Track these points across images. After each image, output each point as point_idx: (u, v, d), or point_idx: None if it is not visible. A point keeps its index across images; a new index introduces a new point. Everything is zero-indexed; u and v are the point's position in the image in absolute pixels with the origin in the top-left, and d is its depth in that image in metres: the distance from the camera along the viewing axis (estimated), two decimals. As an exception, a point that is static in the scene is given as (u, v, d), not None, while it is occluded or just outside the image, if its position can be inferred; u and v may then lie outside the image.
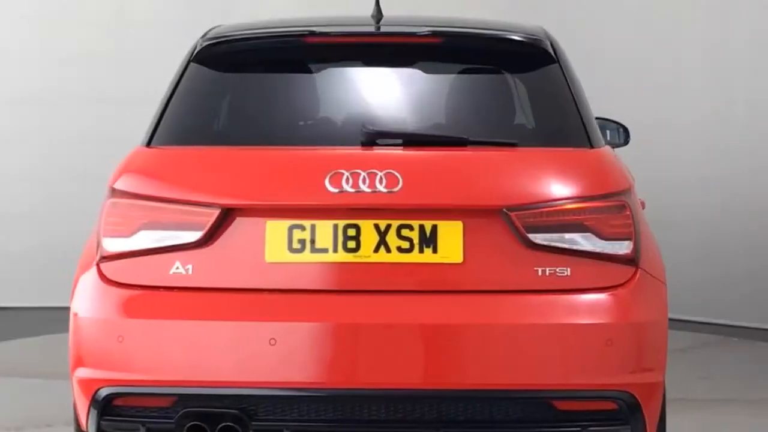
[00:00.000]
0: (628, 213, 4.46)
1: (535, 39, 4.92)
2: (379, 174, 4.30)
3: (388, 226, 4.30)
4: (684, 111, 9.58)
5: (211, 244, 4.30)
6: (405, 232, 4.30)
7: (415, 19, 5.49)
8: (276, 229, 4.30)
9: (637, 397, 4.31)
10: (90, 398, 4.32)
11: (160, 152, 4.58)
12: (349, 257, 4.27)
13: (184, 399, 4.22)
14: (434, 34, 4.88)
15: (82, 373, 4.38)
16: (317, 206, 4.30)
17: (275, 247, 4.29)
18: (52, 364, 7.67)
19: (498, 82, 4.92)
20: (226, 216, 4.30)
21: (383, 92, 4.89)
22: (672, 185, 9.35)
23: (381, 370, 4.19)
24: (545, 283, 4.31)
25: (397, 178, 4.29)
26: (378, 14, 5.16)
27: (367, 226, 4.30)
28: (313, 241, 4.28)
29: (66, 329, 8.43)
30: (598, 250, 4.35)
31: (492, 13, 7.95)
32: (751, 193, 9.28)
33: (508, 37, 4.96)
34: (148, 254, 4.33)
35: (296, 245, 4.28)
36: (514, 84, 4.92)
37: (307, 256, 4.28)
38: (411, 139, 4.52)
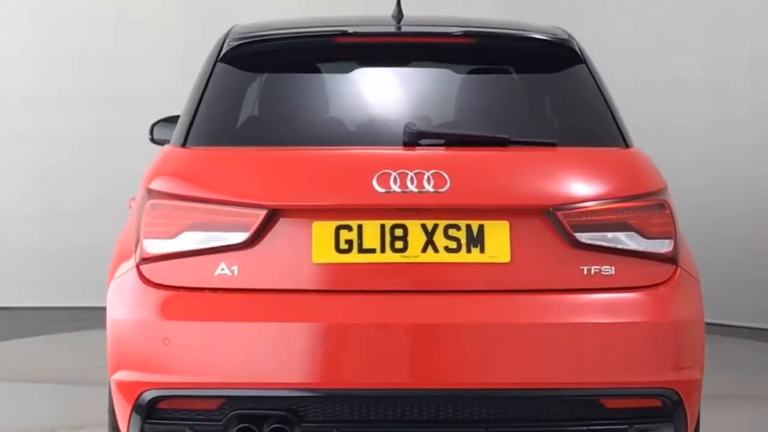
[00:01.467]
0: (668, 212, 4.46)
1: (563, 39, 4.90)
2: (427, 174, 4.25)
3: (435, 226, 4.25)
4: (684, 114, 9.60)
5: (257, 245, 4.22)
6: (452, 232, 4.25)
7: (435, 19, 5.47)
8: (323, 230, 4.23)
9: (680, 394, 4.30)
10: (133, 402, 4.23)
11: (199, 152, 4.49)
12: (397, 257, 4.22)
13: (232, 401, 4.14)
14: (466, 34, 4.84)
15: (124, 376, 4.29)
16: (365, 206, 4.24)
17: (322, 247, 4.22)
18: (56, 366, 7.61)
19: (529, 82, 4.89)
20: (272, 217, 4.23)
21: (417, 92, 4.83)
22: (672, 188, 9.39)
23: (429, 370, 4.14)
24: (591, 282, 4.28)
25: (444, 178, 4.25)
26: (399, 14, 5.10)
27: (414, 227, 4.24)
28: (360, 242, 4.22)
29: (63, 330, 8.32)
30: (641, 248, 4.35)
31: (492, 13, 7.93)
32: (751, 196, 9.33)
33: (538, 37, 4.93)
34: (192, 256, 4.24)
35: (343, 246, 4.22)
36: (545, 84, 4.87)
37: (354, 256, 4.22)
38: (453, 139, 4.46)
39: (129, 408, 4.26)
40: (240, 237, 4.22)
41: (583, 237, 4.28)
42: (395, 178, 4.25)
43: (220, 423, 4.15)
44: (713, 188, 9.46)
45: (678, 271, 4.43)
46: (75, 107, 10.05)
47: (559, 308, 4.24)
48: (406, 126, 4.41)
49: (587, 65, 4.88)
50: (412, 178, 4.24)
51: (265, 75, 4.83)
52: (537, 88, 4.88)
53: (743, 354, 8.55)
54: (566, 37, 4.96)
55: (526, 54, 4.91)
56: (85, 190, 9.98)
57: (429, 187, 4.23)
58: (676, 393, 4.30)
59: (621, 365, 4.24)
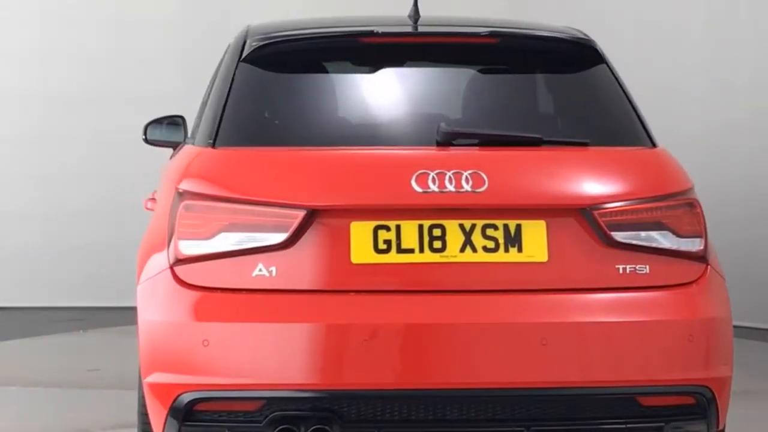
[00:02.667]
0: (698, 210, 4.47)
1: (586, 39, 4.89)
2: (465, 174, 4.22)
3: (473, 226, 4.22)
4: (684, 116, 9.63)
5: (295, 245, 4.17)
6: (490, 232, 4.22)
7: (452, 19, 5.45)
8: (361, 230, 4.19)
9: (713, 391, 4.30)
10: (169, 404, 4.17)
11: (233, 153, 4.43)
12: (436, 257, 4.18)
13: (272, 402, 4.09)
14: (492, 34, 4.81)
15: (159, 378, 4.23)
16: (403, 206, 4.20)
17: (361, 248, 4.18)
18: (46, 368, 7.55)
19: (554, 83, 4.87)
20: (310, 217, 4.19)
21: (444, 92, 4.81)
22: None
23: (469, 370, 4.11)
24: (626, 281, 4.27)
25: (482, 178, 4.22)
26: (416, 14, 5.05)
27: (452, 226, 4.21)
28: (399, 242, 4.19)
29: (62, 330, 8.25)
30: (675, 247, 4.34)
31: (491, 12, 7.91)
32: (751, 196, 9.37)
33: (562, 37, 4.92)
34: (228, 257, 4.18)
35: (382, 246, 4.18)
36: (570, 84, 4.85)
37: (393, 256, 4.18)
38: (486, 139, 4.44)
39: (164, 411, 4.20)
40: (278, 238, 4.17)
41: (619, 236, 4.27)
42: (433, 178, 4.21)
43: (260, 424, 4.10)
44: (713, 189, 9.48)
45: (708, 269, 4.44)
46: (75, 108, 9.97)
47: (597, 307, 4.22)
48: (439, 126, 4.38)
49: (608, 65, 4.87)
50: (450, 178, 4.21)
51: (291, 75, 4.76)
52: (562, 88, 4.86)
53: (743, 353, 8.59)
54: (587, 37, 4.96)
55: (550, 54, 4.88)
56: (86, 190, 9.91)
57: (467, 187, 4.21)
58: (710, 390, 4.30)
59: (658, 363, 4.23)
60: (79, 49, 9.98)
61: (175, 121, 6.77)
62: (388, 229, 4.20)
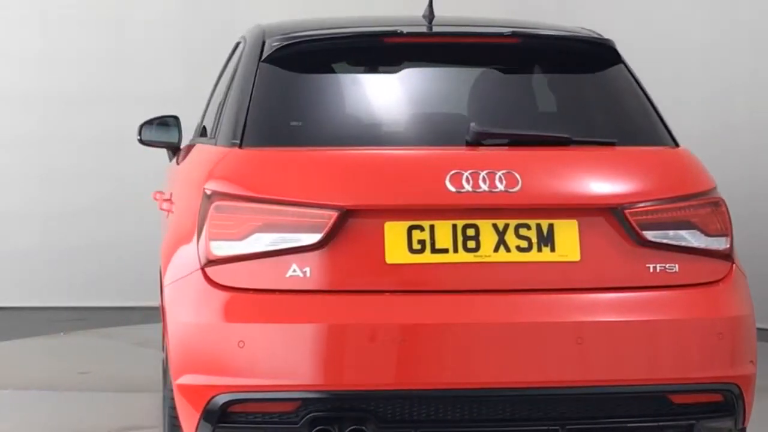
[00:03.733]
0: (724, 209, 4.47)
1: (605, 39, 4.87)
2: (498, 174, 4.21)
3: (506, 226, 4.21)
4: (684, 115, 9.64)
5: (328, 246, 4.14)
6: (523, 232, 4.21)
7: (467, 19, 5.43)
8: (395, 230, 4.17)
9: (741, 388, 4.32)
10: (202, 406, 4.12)
11: (262, 153, 4.39)
12: (470, 257, 4.17)
13: (308, 403, 4.07)
14: (514, 34, 4.79)
15: (191, 380, 4.19)
16: (438, 206, 4.18)
17: (396, 248, 4.16)
18: (36, 371, 7.50)
19: (577, 82, 4.85)
20: (344, 217, 4.17)
21: (468, 92, 4.76)
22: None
23: (505, 369, 4.10)
24: (656, 280, 4.27)
25: (516, 177, 4.21)
26: (430, 14, 5.02)
27: (485, 226, 4.20)
28: (433, 242, 4.17)
29: (62, 330, 8.15)
30: (703, 246, 4.35)
31: (492, 12, 7.90)
32: (751, 196, 9.39)
33: (583, 37, 4.91)
34: (262, 257, 4.14)
35: (416, 246, 4.16)
36: (592, 84, 4.83)
37: (427, 256, 4.16)
38: (516, 139, 4.43)
39: (197, 413, 4.16)
40: (312, 238, 4.14)
41: (650, 235, 4.27)
42: (467, 177, 4.20)
43: (297, 425, 4.07)
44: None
45: (733, 268, 4.45)
46: (75, 108, 9.90)
47: (630, 306, 4.22)
48: (470, 126, 4.37)
49: (626, 65, 4.88)
50: (484, 177, 4.20)
51: (315, 75, 4.72)
52: (584, 88, 4.85)
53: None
54: (606, 37, 4.96)
55: (571, 54, 4.87)
56: (86, 190, 9.84)
57: (501, 187, 4.20)
58: (738, 387, 4.31)
59: (689, 361, 4.24)
60: (79, 50, 9.92)
61: (169, 122, 6.73)
62: (422, 229, 4.19)
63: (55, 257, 9.93)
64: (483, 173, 4.22)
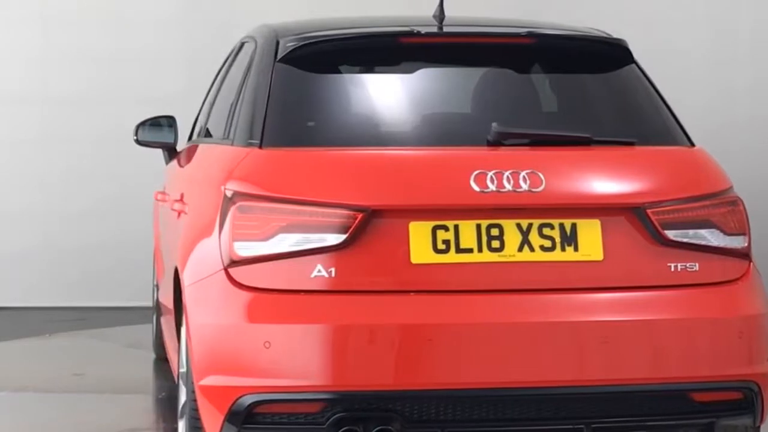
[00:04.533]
0: (741, 208, 4.50)
1: (619, 40, 4.88)
2: (522, 173, 4.21)
3: (530, 225, 4.21)
4: (683, 115, 9.66)
5: (353, 246, 4.13)
6: (546, 231, 4.21)
7: (477, 20, 5.41)
8: (420, 230, 4.16)
9: (760, 385, 4.33)
10: (227, 407, 4.11)
11: (285, 154, 4.36)
12: (494, 257, 4.17)
13: (335, 403, 4.05)
14: (530, 35, 4.80)
15: (216, 381, 4.17)
16: (462, 206, 4.18)
17: (420, 248, 4.15)
18: (26, 373, 7.45)
19: (593, 82, 4.85)
20: (369, 218, 4.15)
21: (485, 92, 4.76)
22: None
23: (531, 368, 4.11)
24: (677, 279, 4.29)
25: (539, 177, 4.21)
26: (441, 14, 5.02)
27: (509, 226, 4.20)
28: (457, 242, 4.16)
29: (60, 330, 8.08)
30: (722, 245, 4.37)
31: (492, 11, 7.91)
32: (750, 196, 9.43)
33: (598, 37, 4.92)
34: (286, 258, 4.13)
35: (441, 246, 4.15)
36: (607, 83, 4.83)
37: (452, 256, 4.16)
38: (538, 139, 4.43)
39: (221, 414, 4.14)
40: (337, 238, 4.13)
41: (671, 234, 4.29)
42: (492, 177, 4.19)
43: (323, 426, 4.06)
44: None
45: (750, 266, 4.47)
46: (76, 108, 9.83)
47: (653, 305, 4.23)
48: (492, 126, 4.36)
49: (638, 66, 4.89)
50: (508, 177, 4.20)
51: (332, 75, 4.71)
52: (600, 88, 4.85)
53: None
54: (618, 38, 4.94)
55: (586, 54, 4.87)
56: (86, 190, 9.78)
57: (525, 187, 4.20)
58: (757, 385, 4.32)
59: (711, 359, 4.25)
60: (79, 50, 9.85)
61: (165, 122, 6.71)
62: (446, 229, 4.18)
63: (55, 257, 9.86)
64: (507, 173, 4.21)
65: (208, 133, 5.98)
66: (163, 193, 6.34)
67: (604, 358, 4.16)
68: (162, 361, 7.44)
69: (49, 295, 9.79)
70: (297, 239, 4.16)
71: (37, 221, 9.90)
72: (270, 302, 4.14)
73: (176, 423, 5.70)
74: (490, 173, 4.21)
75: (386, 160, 4.32)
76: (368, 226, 4.16)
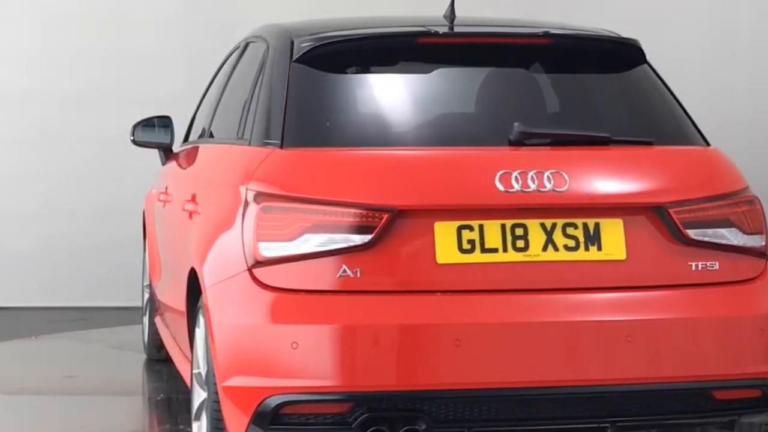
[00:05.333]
0: (758, 207, 4.51)
1: (632, 40, 4.88)
2: (546, 173, 4.22)
3: (554, 225, 4.21)
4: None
5: (378, 246, 4.12)
6: (570, 231, 4.22)
7: (488, 20, 5.39)
8: (445, 230, 4.16)
9: None
10: (253, 408, 4.09)
11: (308, 154, 4.34)
12: (519, 257, 4.17)
13: (362, 403, 4.04)
14: (547, 35, 4.80)
15: (241, 382, 4.15)
16: (487, 206, 4.18)
17: (446, 248, 4.14)
18: (18, 375, 7.38)
19: (608, 82, 4.86)
20: (394, 218, 4.15)
21: (503, 92, 4.76)
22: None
23: (556, 367, 4.11)
24: (698, 278, 4.30)
25: (563, 177, 4.22)
26: (452, 14, 5.00)
27: (533, 225, 4.20)
28: (482, 242, 4.16)
29: (60, 330, 8.00)
30: (741, 243, 4.39)
31: (492, 11, 7.90)
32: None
33: (612, 37, 4.93)
34: (312, 258, 4.12)
35: (466, 246, 4.15)
36: (622, 83, 4.84)
37: (477, 256, 4.15)
38: (559, 139, 4.43)
39: (246, 415, 4.12)
40: (363, 239, 4.12)
41: (692, 233, 4.30)
42: (516, 177, 4.20)
43: (350, 426, 4.05)
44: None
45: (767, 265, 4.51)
46: (76, 108, 9.78)
47: (676, 303, 4.24)
48: (514, 125, 4.35)
49: (649, 65, 4.90)
50: (532, 177, 4.20)
51: (350, 75, 4.69)
52: (615, 88, 4.85)
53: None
54: (632, 38, 4.94)
55: (601, 54, 4.88)
56: (87, 191, 9.73)
57: (550, 186, 4.20)
58: None
59: (733, 357, 4.27)
60: (79, 50, 9.81)
61: (161, 122, 6.68)
62: (471, 228, 4.18)
63: (55, 258, 9.83)
64: (531, 173, 4.22)
65: (212, 134, 5.95)
66: (165, 193, 6.29)
67: (631, 356, 4.16)
68: (154, 362, 7.41)
69: (49, 295, 9.75)
70: (323, 239, 4.14)
71: (37, 221, 9.86)
72: (296, 303, 4.13)
73: (188, 426, 5.67)
74: (515, 173, 4.21)
75: (411, 161, 4.30)
76: (393, 226, 4.15)
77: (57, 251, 9.81)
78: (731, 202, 4.43)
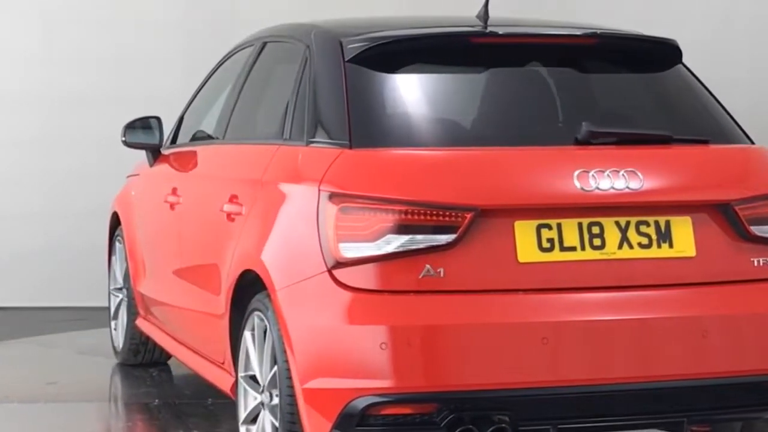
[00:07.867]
0: None
1: (671, 40, 4.94)
2: (621, 172, 4.25)
3: (627, 223, 4.25)
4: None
5: (461, 245, 4.12)
6: (643, 229, 4.26)
7: (521, 20, 5.38)
8: (525, 229, 4.17)
9: None
10: (338, 410, 4.07)
11: (382, 154, 4.31)
12: (596, 255, 4.20)
13: (450, 403, 4.03)
14: (593, 35, 4.84)
15: (324, 384, 4.12)
16: (566, 205, 4.20)
17: (526, 247, 4.16)
18: (17, 382, 7.24)
19: (655, 82, 4.91)
20: (476, 217, 4.15)
21: (560, 91, 4.77)
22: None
23: (638, 363, 4.16)
24: (760, 273, 4.38)
25: (638, 176, 4.26)
26: (485, 15, 5.02)
27: (608, 224, 4.24)
28: (561, 240, 4.19)
29: (58, 330, 7.84)
30: None
31: (492, 11, 7.89)
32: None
33: (654, 38, 4.97)
34: (394, 258, 4.10)
35: (545, 244, 4.17)
36: (669, 83, 4.90)
37: (557, 255, 4.18)
38: (625, 138, 4.46)
39: (330, 417, 4.10)
40: (446, 238, 4.11)
41: (756, 230, 4.38)
42: (593, 176, 4.23)
43: (438, 426, 4.04)
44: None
45: None
46: (76, 108, 9.66)
47: (745, 298, 4.31)
48: (583, 125, 4.38)
49: (684, 65, 4.95)
50: (608, 175, 4.23)
51: (408, 75, 4.65)
52: (663, 87, 4.91)
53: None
54: (670, 38, 4.98)
55: (645, 55, 4.93)
56: (87, 191, 9.59)
57: (625, 185, 4.24)
58: None
59: None
60: (80, 51, 9.69)
61: (151, 123, 6.59)
62: (549, 227, 4.20)
63: (55, 257, 9.72)
64: (607, 171, 4.25)
65: (219, 135, 5.86)
66: (174, 194, 6.14)
67: (706, 351, 4.22)
68: (129, 367, 7.29)
69: (49, 295, 9.65)
70: (405, 239, 4.12)
71: (37, 222, 9.74)
72: (380, 303, 4.10)
73: (202, 431, 5.63)
74: (592, 172, 4.24)
75: (491, 160, 4.29)
76: (474, 225, 4.15)
77: (57, 251, 9.70)
78: None
